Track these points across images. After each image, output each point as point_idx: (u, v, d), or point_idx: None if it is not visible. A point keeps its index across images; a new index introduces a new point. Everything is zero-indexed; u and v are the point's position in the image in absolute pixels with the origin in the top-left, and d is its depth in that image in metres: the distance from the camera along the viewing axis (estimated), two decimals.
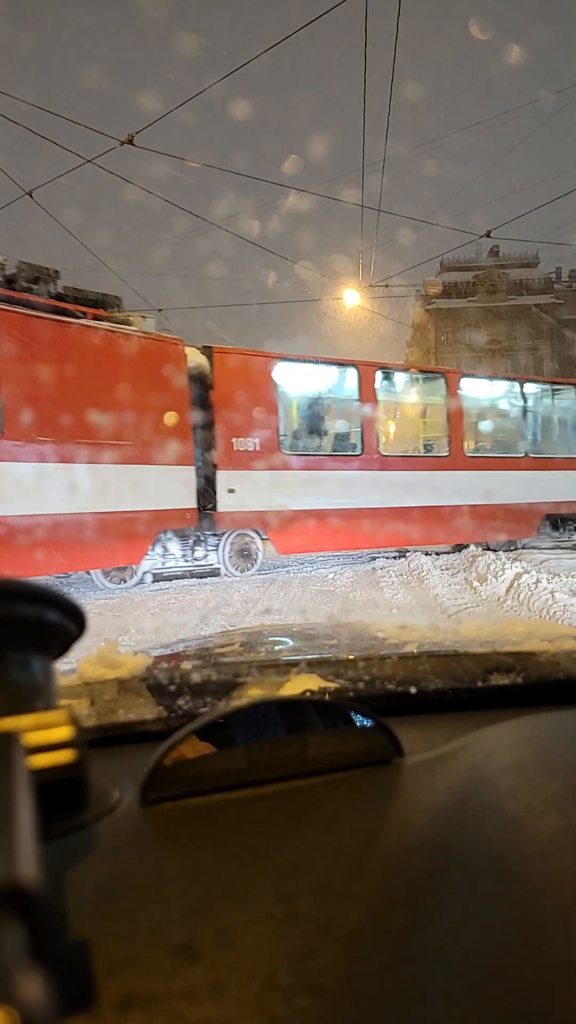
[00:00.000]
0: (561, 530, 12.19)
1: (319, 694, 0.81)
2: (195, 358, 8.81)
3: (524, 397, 11.96)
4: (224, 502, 8.91)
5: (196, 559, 9.28)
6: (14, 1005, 0.23)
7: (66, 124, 8.63)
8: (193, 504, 8.60)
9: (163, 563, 9.05)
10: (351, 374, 10.34)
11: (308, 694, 0.80)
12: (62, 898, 0.45)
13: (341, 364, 10.53)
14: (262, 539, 9.61)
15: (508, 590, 7.02)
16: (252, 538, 9.58)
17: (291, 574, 9.51)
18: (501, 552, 10.13)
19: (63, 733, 0.43)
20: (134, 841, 0.54)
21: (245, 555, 9.58)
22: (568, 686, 0.88)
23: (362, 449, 10.13)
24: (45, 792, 0.40)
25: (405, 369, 11.44)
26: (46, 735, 0.43)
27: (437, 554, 10.51)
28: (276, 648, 1.34)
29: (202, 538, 9.24)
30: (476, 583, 7.81)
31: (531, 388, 12.34)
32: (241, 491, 9.02)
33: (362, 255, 24.92)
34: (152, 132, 8.77)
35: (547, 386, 12.99)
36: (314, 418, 10.37)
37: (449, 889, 0.44)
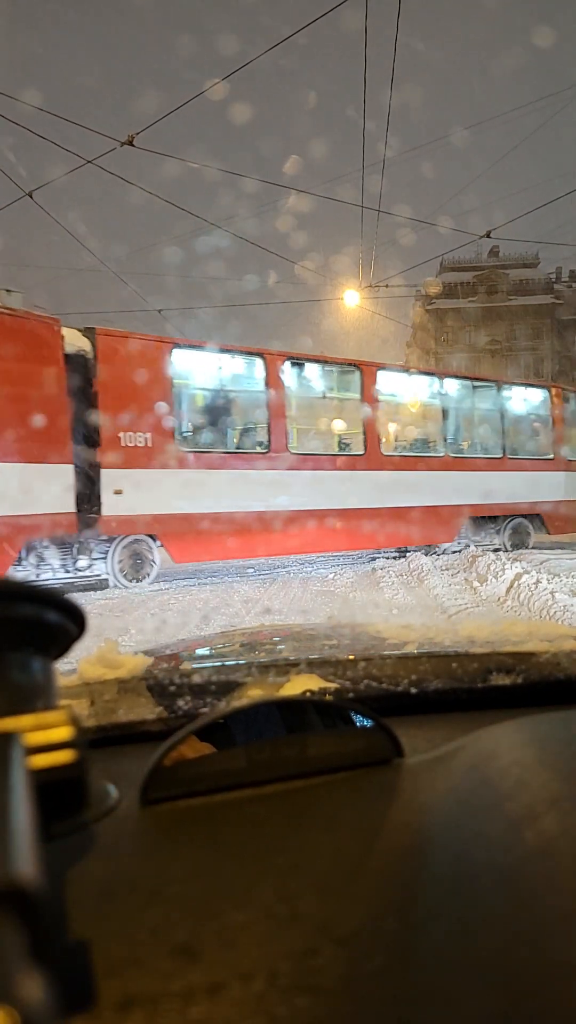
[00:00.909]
0: (483, 533, 11.59)
1: (319, 694, 0.81)
2: (75, 341, 7.86)
3: (444, 394, 11.31)
4: (110, 505, 7.88)
5: (79, 569, 8.22)
6: (14, 1005, 0.23)
7: (66, 125, 8.66)
8: (71, 508, 7.57)
9: (37, 575, 7.91)
10: (257, 364, 9.35)
11: (308, 694, 0.80)
12: (62, 898, 0.45)
13: (246, 353, 9.50)
14: (159, 546, 8.59)
15: (508, 590, 7.03)
16: (147, 545, 8.46)
17: (291, 574, 9.51)
18: (501, 552, 10.08)
19: (63, 733, 0.43)
20: (134, 841, 0.54)
21: (139, 564, 8.46)
22: (568, 686, 0.88)
23: (270, 446, 9.13)
24: (45, 792, 0.40)
25: (317, 360, 10.38)
26: (46, 735, 0.43)
27: (437, 554, 10.49)
28: (276, 648, 1.34)
29: (87, 546, 8.16)
30: (476, 583, 7.81)
31: (452, 384, 11.68)
32: (131, 492, 7.97)
33: (362, 255, 24.96)
34: (153, 133, 8.79)
35: (468, 382, 12.19)
36: (216, 411, 9.31)
37: (449, 889, 0.44)
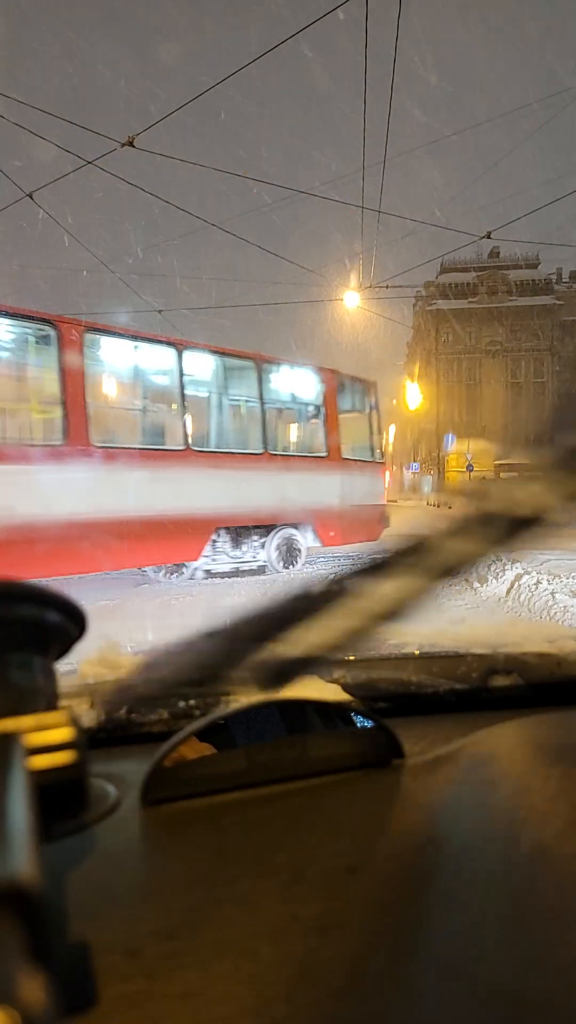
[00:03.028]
0: (243, 547, 9.00)
1: (319, 694, 0.81)
2: None
3: (187, 370, 8.29)
4: None
5: None
6: (14, 1006, 0.23)
7: (67, 126, 8.68)
8: None
9: None
10: None
11: (308, 695, 0.80)
12: (62, 899, 0.45)
13: None
14: None
15: (509, 591, 7.02)
16: None
17: (291, 575, 9.52)
18: (501, 554, 9.84)
19: (64, 734, 0.43)
20: (134, 842, 0.54)
21: None
22: (569, 687, 0.88)
23: None
24: (45, 793, 0.40)
25: None
26: (47, 736, 0.43)
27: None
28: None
29: None
30: (476, 584, 7.81)
31: (197, 358, 8.56)
32: None
33: (362, 256, 24.96)
34: (153, 134, 8.81)
35: (218, 357, 8.99)
36: None
37: (450, 890, 0.44)
